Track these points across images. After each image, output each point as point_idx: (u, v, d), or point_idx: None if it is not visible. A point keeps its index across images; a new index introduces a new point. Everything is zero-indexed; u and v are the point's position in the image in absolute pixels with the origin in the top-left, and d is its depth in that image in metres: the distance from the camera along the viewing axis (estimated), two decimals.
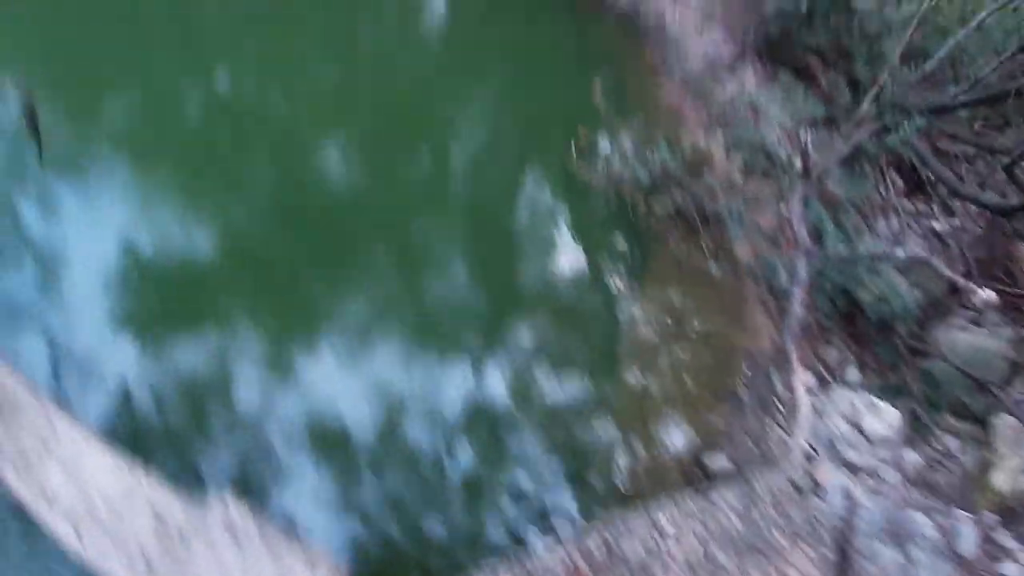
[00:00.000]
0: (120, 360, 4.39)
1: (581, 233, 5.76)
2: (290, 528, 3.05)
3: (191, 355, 4.57)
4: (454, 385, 4.96)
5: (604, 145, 5.87)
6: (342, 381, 4.80)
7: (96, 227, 4.91)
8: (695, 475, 4.60)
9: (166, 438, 4.24)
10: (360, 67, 6.50)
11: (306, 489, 4.29)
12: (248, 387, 4.57)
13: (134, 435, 4.05)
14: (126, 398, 4.27)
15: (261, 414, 4.47)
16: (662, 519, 3.99)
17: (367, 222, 5.54)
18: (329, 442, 4.53)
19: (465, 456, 4.72)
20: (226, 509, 2.87)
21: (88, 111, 5.52)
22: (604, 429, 4.96)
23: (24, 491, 2.85)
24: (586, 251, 5.68)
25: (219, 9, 6.50)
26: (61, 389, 4.15)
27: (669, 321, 5.39)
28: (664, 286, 5.50)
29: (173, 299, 4.80)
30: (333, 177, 5.77)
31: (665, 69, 6.79)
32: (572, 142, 5.77)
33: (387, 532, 4.34)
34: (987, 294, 5.10)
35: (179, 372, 4.49)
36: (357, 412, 4.67)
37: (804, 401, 4.52)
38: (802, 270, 4.87)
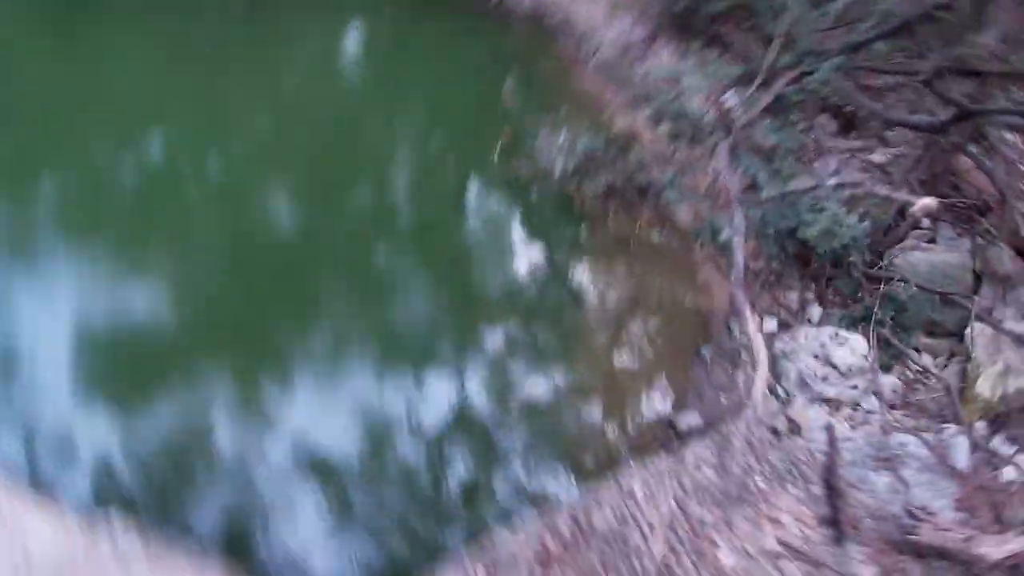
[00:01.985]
0: (88, 432, 4.25)
1: (524, 228, 5.68)
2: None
3: (163, 417, 4.40)
4: (426, 395, 4.82)
5: (529, 141, 5.80)
6: (318, 413, 4.65)
7: (49, 305, 4.80)
8: (667, 438, 4.48)
9: (153, 502, 4.12)
10: (283, 108, 6.45)
11: (303, 527, 4.16)
12: (226, 437, 4.42)
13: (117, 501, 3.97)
14: (102, 470, 4.12)
15: (243, 460, 4.33)
16: (633, 485, 3.85)
17: (318, 259, 5.43)
18: (316, 474, 4.40)
19: (447, 460, 4.57)
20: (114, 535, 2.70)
21: (22, 193, 5.43)
22: (574, 409, 4.82)
23: None
24: (532, 244, 5.59)
25: (136, 75, 6.46)
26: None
27: (624, 294, 5.30)
28: (612, 262, 5.41)
29: (135, 365, 4.64)
30: (278, 221, 5.69)
31: (580, 60, 6.76)
32: (498, 143, 5.71)
33: (366, 539, 4.19)
34: (927, 201, 4.97)
35: (153, 434, 4.35)
36: (336, 440, 4.52)
37: (760, 344, 4.40)
38: (739, 218, 4.78)
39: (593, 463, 4.41)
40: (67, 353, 4.58)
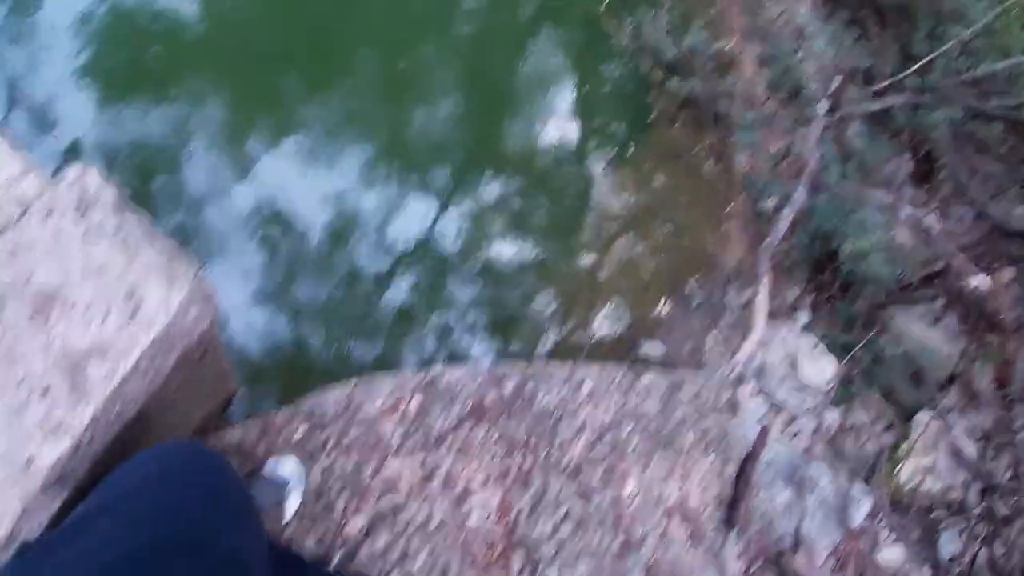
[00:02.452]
0: (75, 112, 4.19)
1: (585, 93, 5.26)
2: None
3: (152, 117, 4.30)
4: (407, 212, 4.61)
5: (639, 6, 5.30)
6: (297, 175, 4.50)
7: None
8: (627, 355, 4.27)
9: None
10: None
11: (237, 271, 4.07)
12: (200, 159, 4.32)
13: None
14: (73, 146, 4.11)
15: (208, 188, 4.26)
16: (584, 379, 3.64)
17: (367, 29, 5.08)
18: (273, 233, 4.27)
19: (396, 279, 4.41)
20: (84, 182, 2.36)
21: None
22: (545, 293, 4.63)
23: None
24: (583, 114, 5.20)
25: None
26: None
27: (645, 206, 4.97)
28: (653, 171, 5.06)
29: (147, 53, 4.52)
30: None
31: None
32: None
33: (290, 318, 4.05)
34: (982, 280, 4.76)
35: (134, 132, 4.19)
36: (303, 206, 4.40)
37: (763, 315, 4.15)
38: (801, 194, 4.45)
39: (551, 342, 4.21)
40: (80, 33, 4.39)
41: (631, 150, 5.13)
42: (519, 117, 5.21)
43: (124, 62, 4.35)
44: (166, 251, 2.36)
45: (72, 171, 2.42)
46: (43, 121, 4.08)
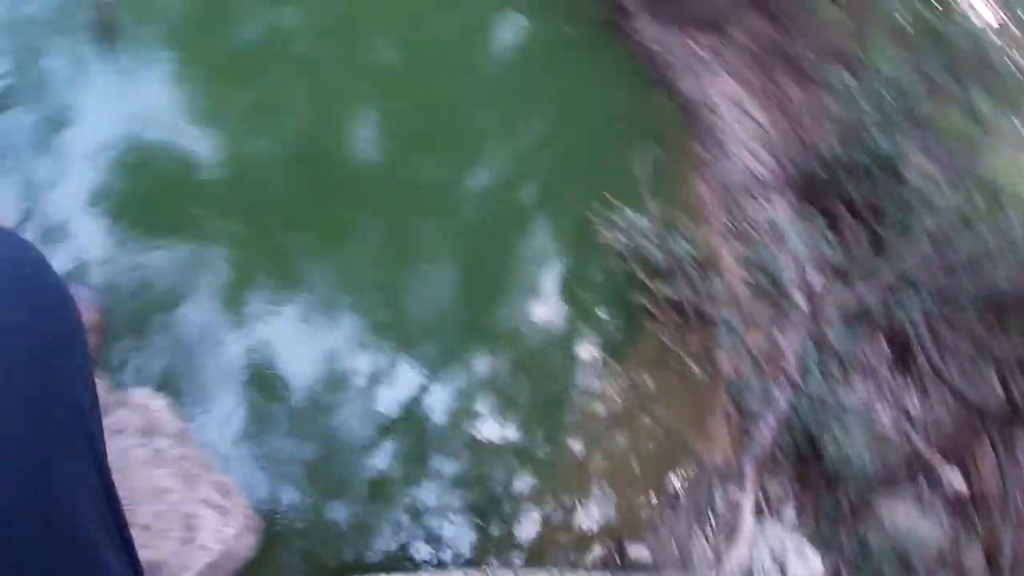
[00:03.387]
0: (84, 235, 4.19)
1: (579, 288, 5.50)
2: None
3: (157, 255, 4.31)
4: (396, 380, 4.68)
5: (628, 213, 5.63)
6: (293, 330, 4.53)
7: (118, 101, 4.70)
8: (611, 558, 4.29)
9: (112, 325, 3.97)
10: (421, 50, 6.29)
11: (217, 420, 4.03)
12: (200, 305, 4.31)
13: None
14: (80, 278, 4.02)
15: (201, 336, 4.22)
16: None
17: (374, 197, 5.30)
18: (259, 389, 4.24)
19: (378, 446, 4.43)
20: (148, 404, 2.53)
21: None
22: (530, 482, 4.67)
23: None
24: (574, 305, 5.42)
25: None
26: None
27: (631, 402, 5.12)
28: (639, 368, 5.24)
29: (158, 197, 4.56)
30: (356, 144, 5.55)
31: (704, 164, 6.62)
32: (600, 200, 5.56)
33: (268, 471, 4.04)
34: (956, 479, 4.83)
35: (138, 267, 4.22)
36: (299, 370, 4.40)
37: (748, 525, 4.23)
38: (782, 400, 4.62)
39: (528, 540, 4.23)
40: (102, 160, 4.46)
41: (619, 344, 5.34)
42: (512, 301, 5.41)
43: (139, 195, 4.41)
44: (222, 486, 2.52)
45: (139, 393, 2.60)
46: (52, 236, 4.07)
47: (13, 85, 4.44)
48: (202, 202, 4.61)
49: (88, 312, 2.58)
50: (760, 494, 4.82)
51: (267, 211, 4.82)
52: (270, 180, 4.94)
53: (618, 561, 4.29)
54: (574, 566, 4.03)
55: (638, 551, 4.36)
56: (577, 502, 4.65)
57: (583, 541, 4.43)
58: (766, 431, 4.48)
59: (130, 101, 4.72)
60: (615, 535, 4.43)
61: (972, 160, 7.55)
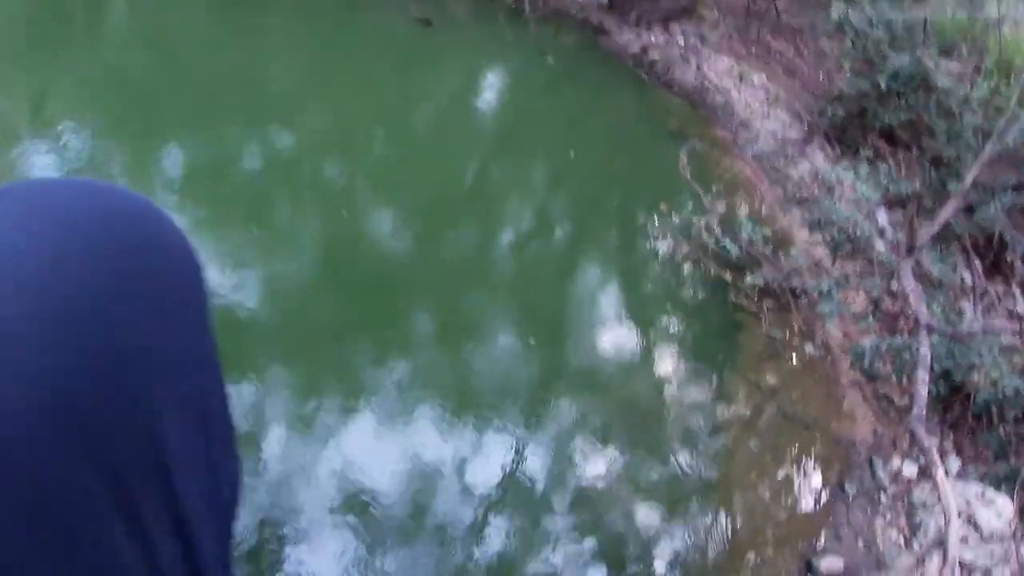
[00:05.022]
0: None
1: (660, 306, 5.17)
2: None
3: None
4: (486, 456, 4.32)
5: (685, 217, 5.30)
6: (372, 439, 4.27)
7: None
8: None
9: None
10: (417, 130, 6.12)
11: (328, 555, 3.76)
12: (273, 441, 4.09)
13: None
14: None
15: (287, 473, 3.98)
16: None
17: (411, 287, 5.04)
18: (357, 510, 3.96)
19: (488, 528, 4.07)
20: None
21: (143, 162, 5.22)
22: (682, 528, 4.25)
23: None
24: (663, 326, 5.09)
25: (285, 66, 6.21)
26: None
27: (756, 404, 4.74)
28: (751, 367, 4.87)
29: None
30: (381, 240, 5.35)
31: (735, 146, 6.29)
32: (651, 213, 5.25)
33: None
34: None
35: None
36: (381, 471, 4.10)
37: (950, 496, 3.80)
38: (925, 348, 4.21)
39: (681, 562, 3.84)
40: None
41: (722, 350, 4.98)
42: (590, 340, 5.07)
43: None
44: None
45: None
46: None
47: None
48: (251, 342, 4.43)
49: None
50: (920, 456, 4.39)
51: (314, 330, 4.63)
52: (308, 300, 4.77)
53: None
54: None
55: (827, 564, 3.94)
56: (731, 524, 4.25)
57: (761, 569, 4.02)
58: (922, 388, 4.06)
59: None
60: (796, 554, 4.03)
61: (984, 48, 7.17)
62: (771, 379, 4.80)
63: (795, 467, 4.47)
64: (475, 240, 5.53)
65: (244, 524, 3.62)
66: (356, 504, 3.94)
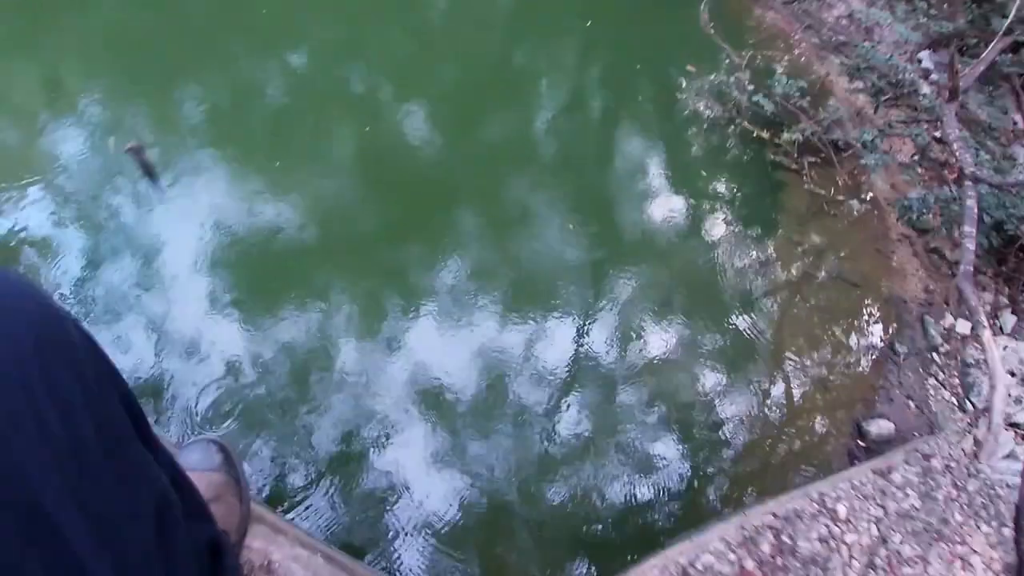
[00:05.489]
0: (214, 338, 3.93)
1: (699, 172, 4.84)
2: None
3: (284, 330, 4.02)
4: (554, 340, 4.21)
5: (716, 75, 4.87)
6: (442, 346, 4.13)
7: (187, 221, 4.42)
8: (855, 445, 3.73)
9: (271, 416, 3.68)
10: (429, 18, 5.65)
11: (412, 449, 3.73)
12: (343, 358, 3.99)
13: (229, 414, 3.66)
14: (225, 376, 3.80)
15: (362, 383, 3.91)
16: (835, 503, 3.16)
17: (451, 185, 4.81)
18: (433, 405, 3.90)
19: (563, 410, 3.99)
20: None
21: (161, 107, 4.90)
22: (740, 392, 4.11)
23: None
24: (704, 192, 4.77)
25: None
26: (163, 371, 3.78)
27: (805, 266, 4.47)
28: (796, 226, 4.58)
29: (266, 276, 4.24)
30: (414, 144, 5.05)
31: None
32: (679, 75, 4.81)
33: (492, 505, 3.67)
34: None
35: (273, 345, 3.93)
36: (460, 376, 4.02)
37: (996, 356, 3.56)
38: (972, 200, 3.88)
39: (772, 465, 3.69)
40: (197, 261, 4.25)
41: (765, 211, 4.68)
42: (634, 215, 4.81)
43: (246, 284, 4.18)
44: None
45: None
46: (190, 356, 3.98)
47: (95, 243, 4.28)
48: (306, 265, 4.33)
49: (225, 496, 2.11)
50: (979, 313, 4.12)
51: (363, 242, 4.49)
52: (354, 214, 4.58)
53: (861, 446, 3.73)
54: (824, 473, 3.49)
55: (878, 427, 3.78)
56: (786, 388, 4.08)
57: (824, 440, 3.87)
58: (970, 243, 3.77)
59: (196, 213, 4.46)
60: (848, 417, 3.85)
61: None
62: (816, 238, 4.52)
63: (845, 328, 4.25)
64: (507, 126, 5.24)
65: (329, 437, 3.67)
66: (431, 400, 3.92)
